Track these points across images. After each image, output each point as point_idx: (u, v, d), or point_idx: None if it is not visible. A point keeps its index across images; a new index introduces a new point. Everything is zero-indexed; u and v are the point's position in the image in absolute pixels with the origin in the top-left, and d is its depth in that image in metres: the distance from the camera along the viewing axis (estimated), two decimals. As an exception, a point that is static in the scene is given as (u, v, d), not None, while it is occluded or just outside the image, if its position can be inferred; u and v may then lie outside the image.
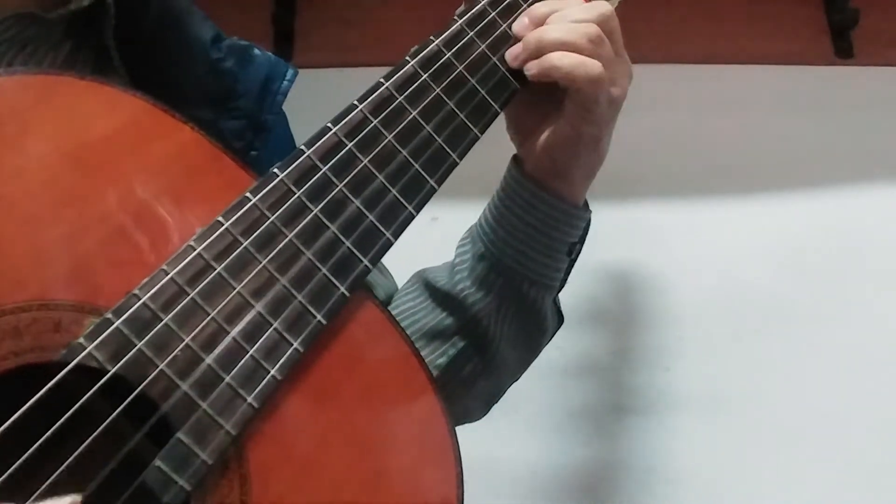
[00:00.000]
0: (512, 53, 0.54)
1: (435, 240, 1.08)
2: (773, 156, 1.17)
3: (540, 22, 0.54)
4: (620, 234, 1.12)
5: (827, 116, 1.18)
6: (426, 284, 0.63)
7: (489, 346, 0.60)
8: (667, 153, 1.17)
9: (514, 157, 0.60)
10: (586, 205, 0.61)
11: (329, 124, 0.47)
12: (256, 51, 0.62)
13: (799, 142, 1.17)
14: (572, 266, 0.62)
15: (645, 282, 1.13)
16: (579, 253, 0.62)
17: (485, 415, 0.66)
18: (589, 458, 1.07)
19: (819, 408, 1.07)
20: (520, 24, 0.55)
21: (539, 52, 0.53)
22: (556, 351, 1.07)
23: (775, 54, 1.21)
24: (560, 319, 0.65)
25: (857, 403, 1.07)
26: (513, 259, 0.59)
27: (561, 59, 0.52)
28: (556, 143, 0.56)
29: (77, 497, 0.37)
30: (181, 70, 0.57)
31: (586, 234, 0.62)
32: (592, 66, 0.52)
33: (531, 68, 0.53)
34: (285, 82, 0.62)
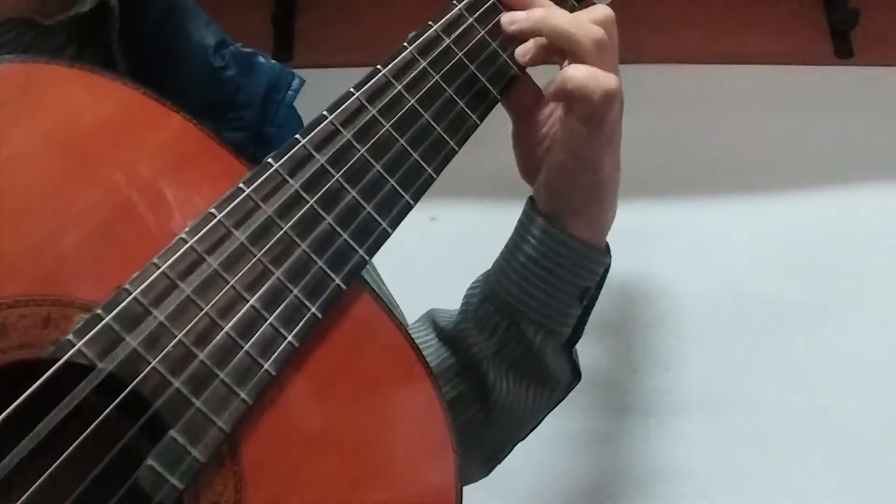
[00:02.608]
0: (521, 51, 0.51)
1: (434, 239, 1.08)
2: (773, 156, 1.17)
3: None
4: (619, 234, 1.11)
5: (827, 116, 1.18)
6: (433, 323, 0.60)
7: (490, 393, 0.57)
8: (667, 153, 1.17)
9: (530, 198, 0.57)
10: (608, 250, 0.57)
11: (325, 112, 0.46)
12: (261, 59, 0.60)
13: (799, 142, 1.17)
14: (586, 316, 0.58)
15: (644, 282, 1.12)
16: (594, 301, 0.58)
17: (486, 475, 0.61)
18: (588, 459, 1.07)
19: (819, 408, 1.06)
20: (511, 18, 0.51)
21: (537, 32, 0.50)
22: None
23: (775, 54, 1.20)
24: (576, 376, 0.60)
25: (858, 403, 1.06)
26: (516, 298, 0.55)
27: (574, 73, 0.48)
28: (554, 174, 0.54)
29: None
30: (182, 77, 0.56)
31: (603, 281, 0.58)
32: (605, 79, 0.48)
33: (547, 90, 0.50)
34: (290, 92, 0.59)
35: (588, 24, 0.50)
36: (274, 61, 0.60)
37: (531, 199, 0.57)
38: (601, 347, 1.10)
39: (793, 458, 1.05)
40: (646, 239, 1.13)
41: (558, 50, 0.50)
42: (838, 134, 1.17)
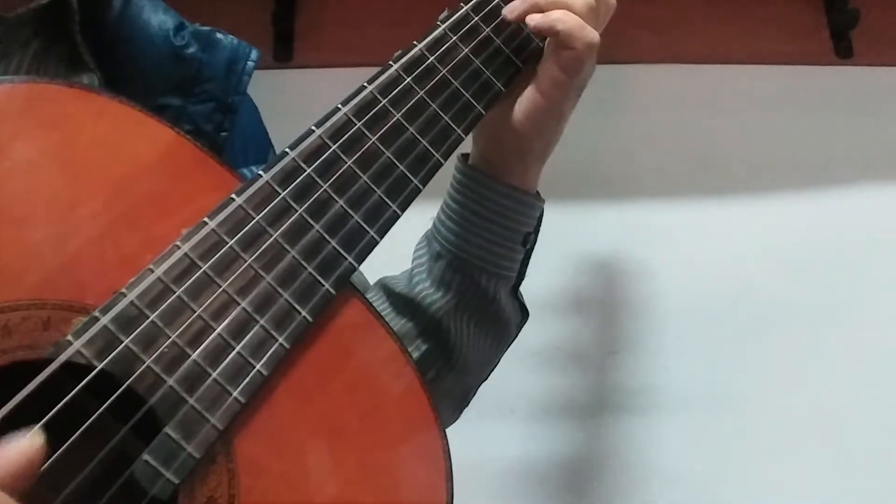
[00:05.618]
0: (510, 8, 0.55)
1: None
2: (773, 156, 1.17)
3: None
4: (620, 234, 1.13)
5: (827, 116, 1.18)
6: (386, 290, 0.63)
7: (453, 347, 0.61)
8: (667, 153, 1.17)
9: (462, 155, 0.61)
10: (538, 195, 0.61)
11: (313, 127, 0.48)
12: (219, 35, 0.63)
13: (799, 142, 1.17)
14: (528, 258, 0.62)
15: (644, 282, 1.13)
16: (534, 244, 0.62)
17: (455, 420, 0.65)
18: (588, 459, 1.08)
19: (818, 408, 1.07)
20: None
21: (536, 6, 0.54)
22: (555, 351, 1.07)
23: (775, 54, 1.21)
24: (524, 314, 0.65)
25: (857, 403, 1.07)
26: (468, 253, 0.59)
27: (565, 17, 0.53)
28: (524, 115, 0.57)
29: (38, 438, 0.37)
30: (145, 60, 0.58)
31: (540, 224, 0.62)
32: (591, 32, 0.54)
33: (534, 19, 0.54)
34: (249, 62, 0.62)
35: None
36: (232, 36, 0.63)
37: (463, 157, 0.60)
38: (601, 347, 1.11)
39: (791, 457, 1.05)
40: (646, 239, 1.13)
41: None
42: (838, 134, 1.17)
